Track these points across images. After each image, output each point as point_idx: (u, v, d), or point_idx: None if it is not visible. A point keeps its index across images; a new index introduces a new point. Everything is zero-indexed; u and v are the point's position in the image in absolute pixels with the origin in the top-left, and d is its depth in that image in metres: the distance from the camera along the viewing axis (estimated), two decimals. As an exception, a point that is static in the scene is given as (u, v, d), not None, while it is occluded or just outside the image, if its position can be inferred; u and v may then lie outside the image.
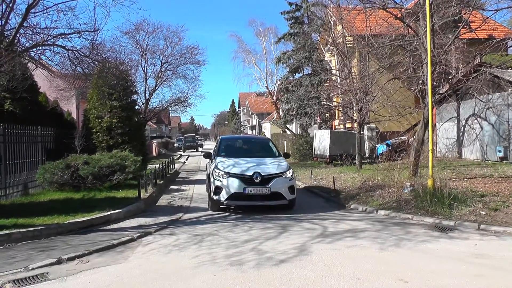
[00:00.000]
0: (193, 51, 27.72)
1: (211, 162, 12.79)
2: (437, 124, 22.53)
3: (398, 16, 15.28)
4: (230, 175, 11.32)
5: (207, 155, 13.64)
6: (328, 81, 27.88)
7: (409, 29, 15.28)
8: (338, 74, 23.36)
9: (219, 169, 11.58)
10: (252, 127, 76.09)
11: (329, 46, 25.26)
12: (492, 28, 18.01)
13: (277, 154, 13.50)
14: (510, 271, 6.24)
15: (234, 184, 11.19)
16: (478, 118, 19.97)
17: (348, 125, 30.92)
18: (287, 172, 11.70)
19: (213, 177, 11.55)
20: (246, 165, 11.77)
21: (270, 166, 11.89)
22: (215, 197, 11.44)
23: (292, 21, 34.01)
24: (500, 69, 15.97)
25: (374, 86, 18.56)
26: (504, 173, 14.83)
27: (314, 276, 6.13)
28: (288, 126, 36.31)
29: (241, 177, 11.25)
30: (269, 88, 43.81)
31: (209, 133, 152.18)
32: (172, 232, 9.30)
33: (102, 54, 12.66)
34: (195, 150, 55.60)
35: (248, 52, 45.51)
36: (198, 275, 6.28)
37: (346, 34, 21.49)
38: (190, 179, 21.45)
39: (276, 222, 10.04)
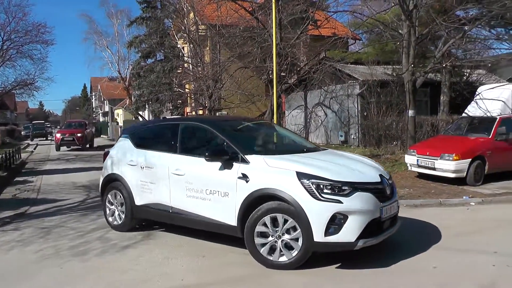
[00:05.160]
0: (40, 29, 25.31)
1: (223, 168, 6.31)
2: (286, 111, 23.76)
3: (249, 9, 15.72)
4: (354, 186, 5.73)
5: (216, 152, 6.43)
6: (180, 68, 27.74)
7: (259, 22, 15.82)
8: (190, 61, 23.28)
9: (321, 177, 5.69)
10: (105, 114, 73.12)
11: (181, 33, 25.01)
12: (334, 27, 19.57)
13: (311, 145, 7.98)
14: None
15: (367, 204, 5.71)
16: (323, 106, 21.50)
17: (200, 112, 31.14)
18: None
19: (315, 194, 5.57)
20: (337, 165, 6.28)
21: (366, 164, 6.70)
22: (332, 239, 5.56)
23: (145, 5, 33.42)
24: (341, 64, 17.57)
25: (224, 74, 18.88)
26: (342, 156, 16.19)
27: (161, 258, 6.35)
28: (140, 112, 35.65)
29: (372, 188, 5.92)
30: (121, 73, 42.39)
31: (60, 120, 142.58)
32: (17, 227, 8.69)
33: None
34: (45, 138, 51.94)
35: (99, 34, 43.34)
36: (43, 269, 6.08)
37: (199, 23, 21.48)
38: (38, 169, 19.93)
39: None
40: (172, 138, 7.37)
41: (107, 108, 69.98)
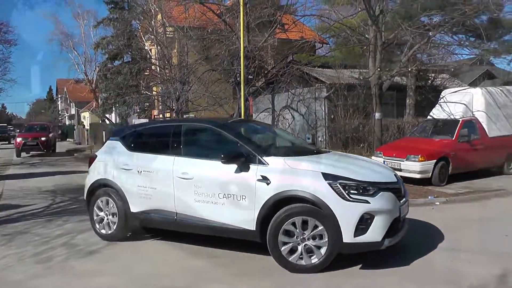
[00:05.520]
0: (1, 28, 24.69)
1: (240, 170, 6.00)
2: (253, 114, 23.74)
3: (217, 12, 15.76)
4: (378, 186, 5.73)
5: (232, 154, 6.12)
6: (147, 70, 27.49)
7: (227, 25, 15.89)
8: (157, 64, 23.13)
9: (347, 178, 5.66)
10: (71, 117, 71.71)
11: (149, 34, 24.83)
12: (301, 31, 19.79)
13: (315, 148, 8.17)
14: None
15: (390, 204, 5.75)
16: (290, 109, 21.62)
17: (167, 115, 30.91)
18: None
19: (344, 195, 5.52)
20: (356, 166, 6.33)
21: (378, 165, 7.02)
22: (360, 239, 5.52)
23: (112, 5, 32.80)
24: (309, 67, 17.77)
25: (192, 77, 18.83)
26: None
27: (129, 262, 6.32)
28: (107, 115, 35.04)
29: (392, 188, 5.95)
30: (88, 75, 41.68)
31: (25, 123, 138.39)
32: (-24, 234, 8.44)
33: None
34: (7, 142, 50.53)
35: (66, 34, 42.45)
36: (5, 278, 5.88)
37: (167, 24, 21.37)
38: (0, 174, 19.36)
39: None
40: (175, 140, 6.88)
41: (73, 111, 68.70)
